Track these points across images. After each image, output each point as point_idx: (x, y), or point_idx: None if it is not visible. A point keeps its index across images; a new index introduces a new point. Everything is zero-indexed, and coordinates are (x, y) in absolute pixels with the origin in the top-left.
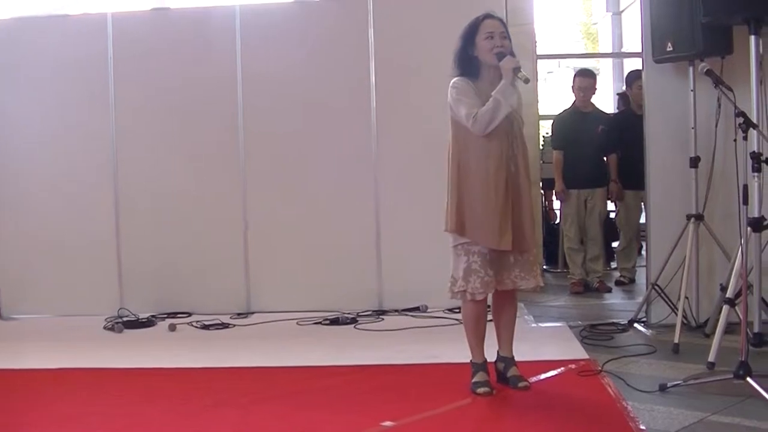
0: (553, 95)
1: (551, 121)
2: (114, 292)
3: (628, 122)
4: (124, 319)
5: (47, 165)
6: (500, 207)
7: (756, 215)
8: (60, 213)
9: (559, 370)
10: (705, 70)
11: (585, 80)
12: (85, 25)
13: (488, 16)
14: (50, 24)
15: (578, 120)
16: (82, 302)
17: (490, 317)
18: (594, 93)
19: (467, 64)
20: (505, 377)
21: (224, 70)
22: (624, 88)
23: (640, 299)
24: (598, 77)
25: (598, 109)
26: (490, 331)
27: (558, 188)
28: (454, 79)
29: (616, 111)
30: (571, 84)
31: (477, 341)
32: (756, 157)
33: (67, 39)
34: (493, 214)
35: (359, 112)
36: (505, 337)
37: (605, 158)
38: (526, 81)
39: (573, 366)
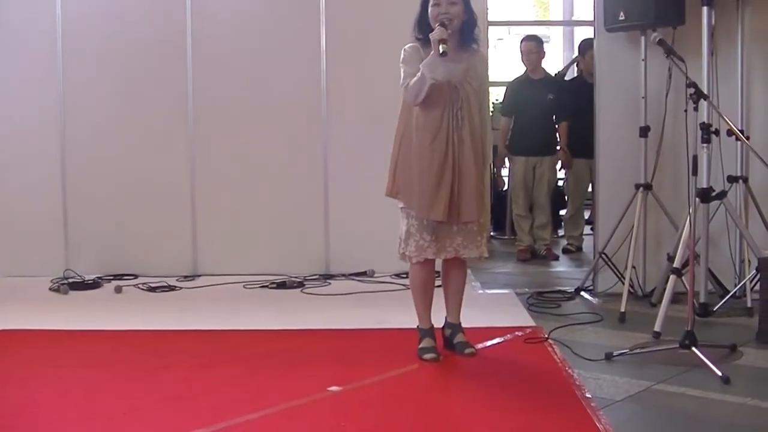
0: (504, 62)
1: (504, 89)
2: (60, 253)
3: (580, 90)
4: (70, 280)
5: None
6: (434, 177)
7: (704, 186)
8: (6, 173)
9: (505, 337)
10: (657, 39)
11: (528, 44)
12: None
13: None
14: None
15: (528, 87)
16: (27, 263)
17: (439, 283)
18: (540, 57)
19: (424, 29)
20: (451, 343)
21: (174, 31)
22: (575, 56)
23: (588, 267)
24: (547, 45)
25: (549, 75)
26: (438, 297)
27: (499, 153)
28: (405, 46)
29: (573, 77)
30: (520, 51)
31: (424, 306)
32: (705, 128)
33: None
34: (426, 183)
35: (309, 76)
36: (453, 304)
37: (556, 126)
38: (443, 54)
39: (519, 333)
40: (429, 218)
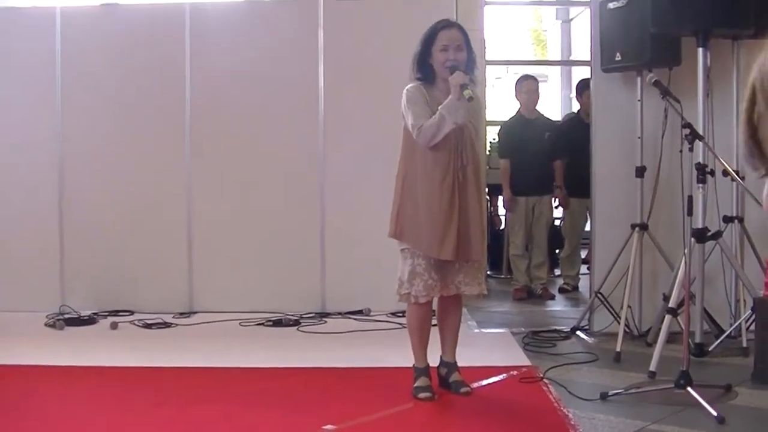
0: (502, 101)
1: (498, 128)
2: (56, 288)
3: (576, 130)
4: (66, 316)
5: None
6: (443, 216)
7: (700, 226)
8: (3, 208)
9: (501, 376)
10: (653, 80)
11: (531, 83)
12: (33, 19)
13: (447, 25)
14: None
15: (524, 127)
16: (23, 298)
17: (435, 322)
18: (539, 97)
19: (424, 69)
20: (447, 382)
21: (173, 68)
22: (572, 95)
23: (583, 307)
24: (545, 84)
25: (543, 115)
26: (434, 335)
27: (506, 197)
28: (408, 86)
29: (570, 117)
30: (516, 90)
31: (420, 345)
32: (701, 169)
33: (14, 32)
34: (435, 223)
35: (307, 113)
36: (449, 342)
37: (552, 165)
38: (470, 99)
39: (515, 372)
40: (439, 257)
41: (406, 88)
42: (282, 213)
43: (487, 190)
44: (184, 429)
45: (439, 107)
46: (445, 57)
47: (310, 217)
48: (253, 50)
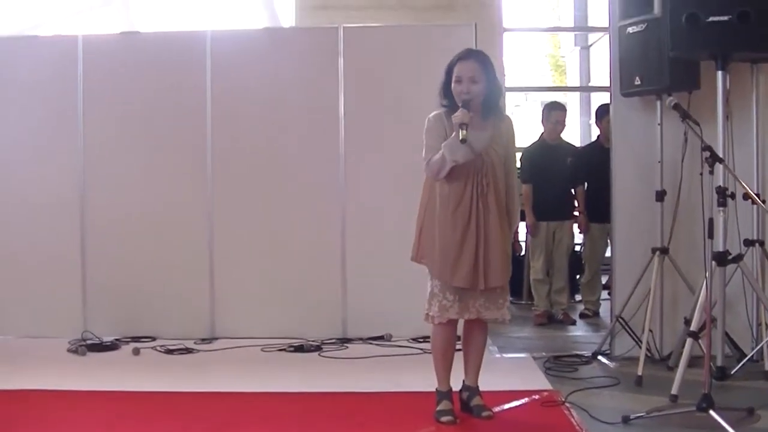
0: (521, 128)
1: (519, 154)
2: (78, 314)
3: (596, 155)
4: (88, 341)
5: (14, 184)
6: (455, 244)
7: (720, 249)
8: (26, 234)
9: (522, 400)
10: (672, 104)
11: (560, 113)
12: (55, 47)
13: (464, 56)
14: (20, 45)
15: (547, 153)
16: (45, 324)
17: (459, 346)
18: (564, 127)
19: (449, 98)
20: (468, 406)
21: (194, 95)
22: (591, 122)
23: (604, 331)
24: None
25: (565, 141)
26: (458, 360)
27: (529, 222)
28: (431, 114)
29: (590, 142)
30: (542, 117)
31: (443, 368)
32: (721, 192)
33: (38, 60)
34: (449, 249)
35: (328, 140)
36: (472, 366)
37: (573, 190)
38: (463, 141)
39: (537, 397)
40: (452, 284)
41: (428, 116)
42: (303, 239)
43: None
44: None
45: (442, 145)
46: (459, 89)
47: (331, 243)
48: (273, 77)
